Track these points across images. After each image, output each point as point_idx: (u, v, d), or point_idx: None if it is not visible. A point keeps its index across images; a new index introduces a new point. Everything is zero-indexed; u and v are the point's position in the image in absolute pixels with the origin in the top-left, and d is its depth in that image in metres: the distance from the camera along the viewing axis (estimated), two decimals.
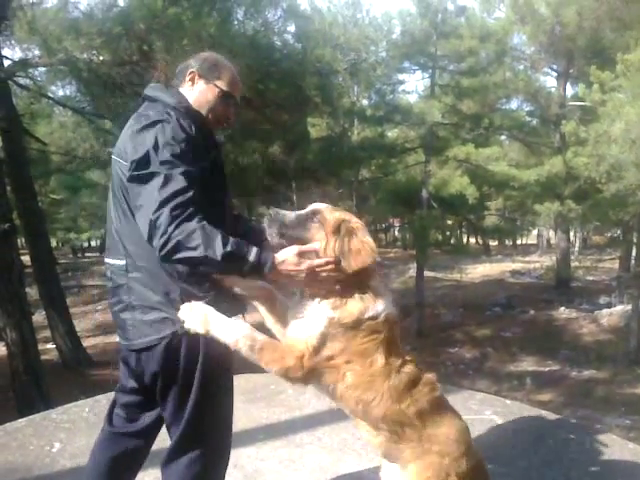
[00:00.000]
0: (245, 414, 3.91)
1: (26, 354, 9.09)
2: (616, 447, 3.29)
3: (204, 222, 1.77)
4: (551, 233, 27.57)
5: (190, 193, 1.80)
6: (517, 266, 24.95)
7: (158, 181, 1.81)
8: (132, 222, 1.92)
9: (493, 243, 36.57)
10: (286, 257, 1.84)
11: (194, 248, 1.74)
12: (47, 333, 12.89)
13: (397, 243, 38.10)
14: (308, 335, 1.80)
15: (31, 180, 11.62)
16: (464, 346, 13.92)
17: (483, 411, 3.76)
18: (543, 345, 13.31)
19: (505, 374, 11.79)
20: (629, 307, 14.50)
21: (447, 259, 24.28)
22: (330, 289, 1.84)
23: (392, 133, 23.84)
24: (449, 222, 26.22)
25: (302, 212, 1.93)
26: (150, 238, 1.78)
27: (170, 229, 1.74)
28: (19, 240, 15.33)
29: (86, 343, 13.28)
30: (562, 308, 16.63)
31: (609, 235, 25.84)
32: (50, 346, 12.80)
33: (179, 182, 1.81)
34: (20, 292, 9.43)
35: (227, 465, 2.16)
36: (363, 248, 1.81)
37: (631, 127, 9.47)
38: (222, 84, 2.16)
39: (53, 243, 22.79)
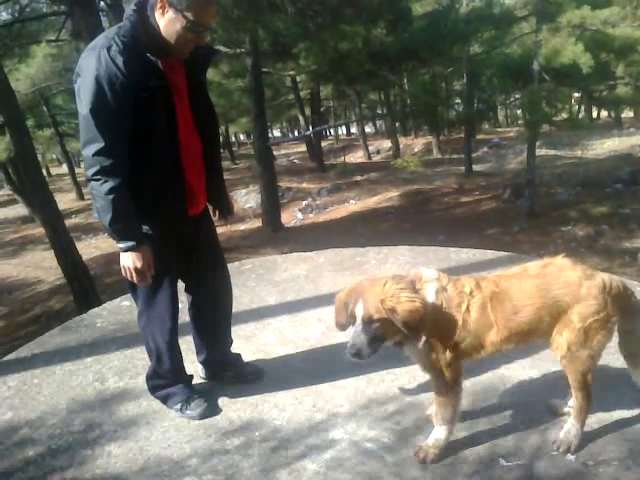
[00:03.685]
0: (332, 280, 4.48)
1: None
2: None
3: (113, 190, 2.19)
4: None
5: (107, 150, 2.15)
6: None
7: (82, 134, 2.20)
8: None
9: (628, 115, 33.28)
10: (124, 262, 2.36)
11: (96, 209, 2.28)
12: None
13: (518, 121, 35.91)
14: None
15: None
16: (578, 224, 13.45)
17: None
18: None
19: (619, 251, 11.40)
20: None
21: (570, 135, 22.77)
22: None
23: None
24: (575, 94, 24.16)
25: (359, 324, 2.07)
26: None
27: (90, 187, 2.25)
28: None
29: None
30: None
31: None
32: None
33: (98, 141, 2.15)
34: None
35: (165, 321, 2.64)
36: (410, 309, 2.02)
37: None
38: (191, 14, 2.12)
39: None
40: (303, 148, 31.27)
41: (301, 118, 27.27)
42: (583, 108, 30.46)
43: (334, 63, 14.29)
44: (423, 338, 2.13)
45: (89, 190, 2.30)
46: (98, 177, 2.19)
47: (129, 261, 2.35)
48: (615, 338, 2.34)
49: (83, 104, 2.14)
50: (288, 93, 27.69)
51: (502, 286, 2.17)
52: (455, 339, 2.15)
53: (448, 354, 2.17)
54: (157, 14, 2.17)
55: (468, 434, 2.47)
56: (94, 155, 2.17)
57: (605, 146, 23.09)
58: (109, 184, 2.19)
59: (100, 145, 2.15)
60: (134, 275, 2.38)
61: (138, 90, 2.18)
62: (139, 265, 2.35)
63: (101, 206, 2.24)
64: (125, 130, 2.21)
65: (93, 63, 2.12)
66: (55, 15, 14.57)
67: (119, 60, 2.12)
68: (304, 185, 21.85)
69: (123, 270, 2.39)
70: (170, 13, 2.14)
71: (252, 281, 4.64)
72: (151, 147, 2.32)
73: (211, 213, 2.85)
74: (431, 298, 2.12)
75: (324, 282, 4.46)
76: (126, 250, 2.33)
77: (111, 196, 2.20)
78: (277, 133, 48.59)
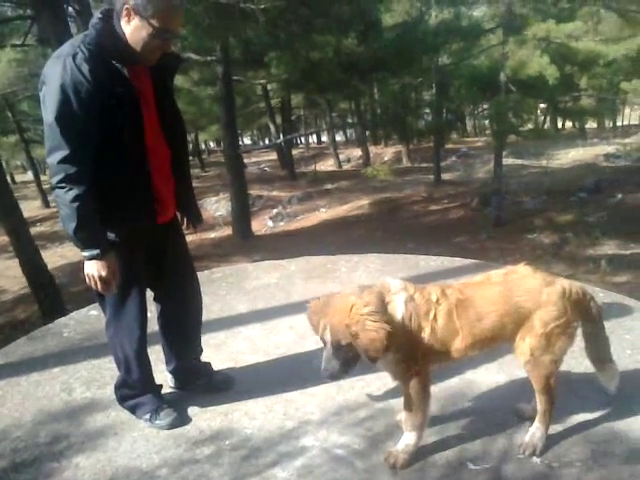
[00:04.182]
0: (303, 288, 4.50)
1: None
2: None
3: (78, 198, 2.17)
4: None
5: (72, 157, 2.13)
6: (613, 149, 23.50)
7: (47, 142, 2.18)
8: None
9: (591, 126, 34.23)
10: (89, 270, 2.33)
11: (61, 216, 2.25)
12: None
13: (486, 131, 36.57)
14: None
15: None
16: (543, 232, 13.75)
17: None
18: (627, 229, 12.91)
19: (583, 258, 11.69)
20: None
21: (536, 145, 23.27)
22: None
23: (478, 12, 22.36)
24: (541, 105, 24.76)
25: (329, 348, 2.09)
26: None
27: (55, 194, 2.22)
28: None
29: None
30: None
31: None
32: None
33: (64, 149, 2.13)
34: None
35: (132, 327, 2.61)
36: (373, 339, 2.01)
37: None
38: (156, 21, 2.12)
39: None
40: (274, 156, 31.25)
41: (272, 126, 27.27)
42: (548, 119, 31.18)
43: (305, 72, 14.39)
44: (390, 355, 2.16)
45: (54, 198, 2.28)
46: (63, 185, 2.17)
47: (93, 270, 2.32)
48: (580, 342, 2.41)
49: (48, 112, 2.13)
50: (259, 101, 27.68)
51: (467, 294, 2.21)
52: (424, 347, 2.19)
53: (418, 362, 2.20)
54: (123, 22, 2.17)
55: (437, 439, 2.50)
56: (59, 163, 2.15)
57: (569, 156, 23.68)
58: (74, 192, 2.17)
59: (65, 153, 2.14)
60: (98, 284, 2.36)
61: (104, 98, 2.17)
62: (104, 274, 2.33)
63: (66, 214, 2.22)
64: (91, 138, 2.20)
65: (58, 71, 2.11)
66: (20, 19, 14.32)
67: (85, 68, 2.11)
68: (275, 193, 21.84)
69: (87, 279, 2.37)
70: (136, 20, 2.14)
71: (222, 289, 4.62)
72: (118, 153, 2.30)
73: (180, 221, 2.85)
74: (400, 309, 2.15)
75: (295, 290, 4.47)
76: (90, 258, 2.31)
77: (76, 204, 2.18)
78: (248, 141, 48.50)
